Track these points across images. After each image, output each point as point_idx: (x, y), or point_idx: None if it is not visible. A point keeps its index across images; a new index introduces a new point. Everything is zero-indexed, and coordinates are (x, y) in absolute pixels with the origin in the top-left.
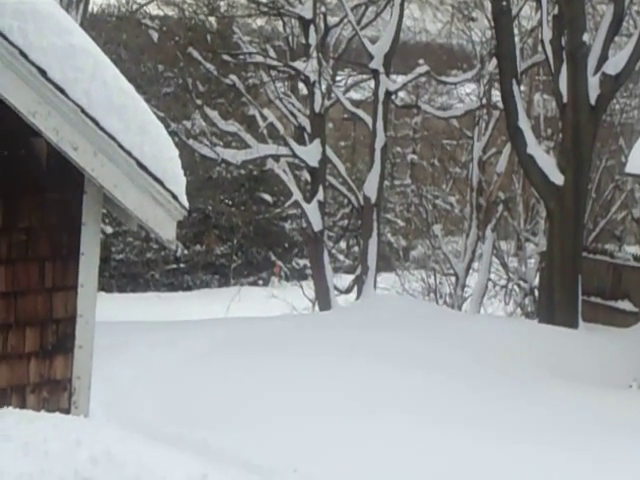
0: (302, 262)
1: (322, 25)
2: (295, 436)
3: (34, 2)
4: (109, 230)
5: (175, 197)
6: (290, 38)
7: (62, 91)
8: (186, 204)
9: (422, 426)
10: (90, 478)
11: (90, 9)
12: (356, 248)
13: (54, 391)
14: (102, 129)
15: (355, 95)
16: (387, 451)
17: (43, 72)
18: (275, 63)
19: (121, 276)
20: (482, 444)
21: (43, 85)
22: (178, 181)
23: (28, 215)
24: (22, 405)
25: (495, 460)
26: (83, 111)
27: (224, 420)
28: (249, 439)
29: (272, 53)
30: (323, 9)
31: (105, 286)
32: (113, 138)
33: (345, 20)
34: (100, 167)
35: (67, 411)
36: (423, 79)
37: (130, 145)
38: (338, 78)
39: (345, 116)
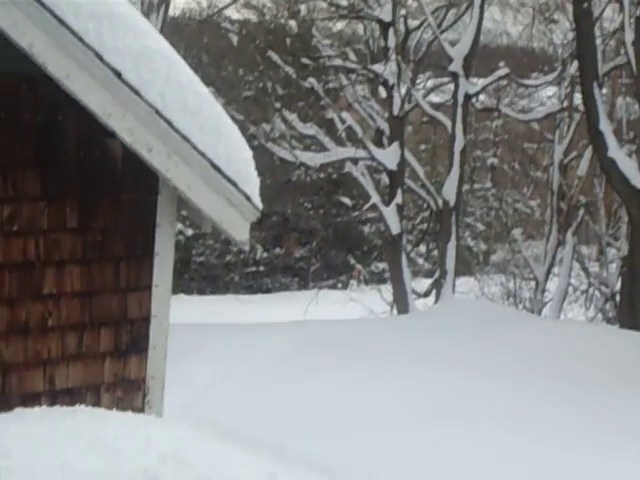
0: (381, 266)
1: (402, 28)
2: (370, 440)
3: (109, 4)
4: (189, 232)
5: (248, 198)
6: (370, 41)
7: (137, 93)
8: (259, 205)
9: (489, 434)
10: (158, 476)
11: (171, 13)
12: (435, 252)
13: (128, 391)
14: (176, 130)
15: (435, 98)
16: (458, 456)
17: (118, 74)
18: (354, 66)
19: (201, 278)
20: (535, 452)
21: (118, 87)
22: (252, 182)
23: (103, 216)
24: (97, 404)
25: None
26: (157, 112)
27: (300, 423)
28: (325, 442)
29: (352, 56)
30: (403, 12)
31: (185, 288)
32: (187, 139)
33: (425, 23)
34: (174, 168)
35: (141, 410)
36: (504, 82)
37: (204, 146)
38: (418, 81)
39: (425, 119)
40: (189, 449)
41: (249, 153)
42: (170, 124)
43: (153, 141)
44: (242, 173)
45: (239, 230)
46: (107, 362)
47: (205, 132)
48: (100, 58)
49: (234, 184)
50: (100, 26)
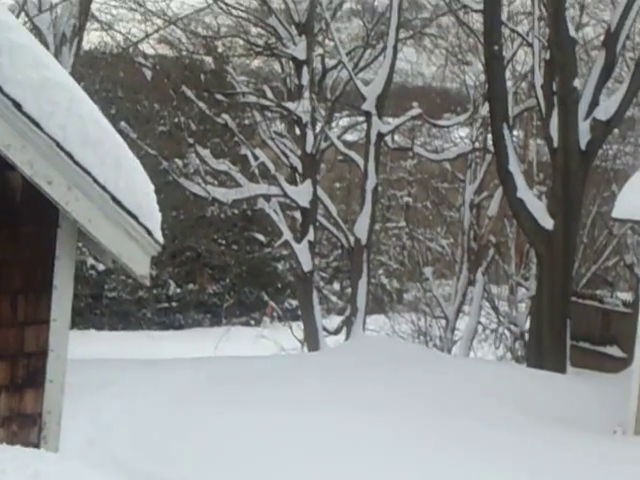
0: (294, 302)
1: (320, 67)
2: (273, 476)
3: (10, 35)
4: (101, 267)
5: (150, 232)
6: (287, 79)
7: (37, 125)
8: (161, 240)
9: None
10: None
11: (86, 46)
12: (349, 289)
13: (24, 425)
14: (77, 163)
15: (350, 137)
16: None
17: (18, 105)
18: (267, 103)
19: (113, 314)
20: None
21: (18, 118)
22: (153, 216)
23: (1, 248)
24: None
25: None
26: (58, 145)
27: (204, 459)
28: (228, 478)
29: (269, 93)
30: (320, 51)
31: (96, 324)
32: (88, 172)
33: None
34: (74, 201)
35: (37, 445)
36: (418, 122)
37: (105, 180)
38: (335, 120)
39: (340, 158)
40: None
41: (151, 187)
42: (71, 157)
43: (53, 174)
44: (143, 207)
45: (139, 264)
46: (2, 396)
47: (106, 165)
48: (0, 89)
49: (135, 218)
50: (0, 57)
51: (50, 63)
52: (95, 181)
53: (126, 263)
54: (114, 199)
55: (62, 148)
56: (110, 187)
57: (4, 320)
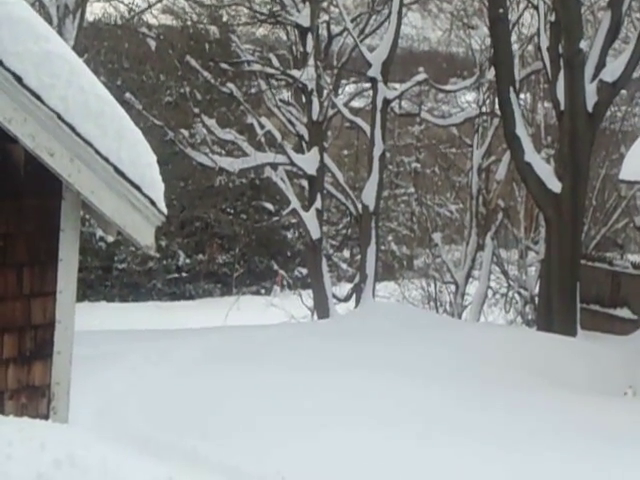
0: (304, 271)
1: (325, 34)
2: (285, 445)
3: (8, 8)
4: (110, 239)
5: (153, 203)
6: (293, 47)
7: (38, 97)
8: (164, 210)
9: (406, 436)
10: None
11: (90, 18)
12: (358, 257)
13: (33, 397)
14: (79, 135)
15: (357, 103)
16: (371, 460)
17: (19, 78)
18: (272, 71)
19: (123, 285)
20: (466, 454)
21: (19, 91)
22: (156, 187)
23: (5, 221)
24: (0, 411)
25: (478, 471)
26: (59, 117)
27: (216, 427)
28: (239, 447)
29: (275, 62)
30: (326, 18)
31: (107, 295)
32: (90, 144)
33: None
34: (77, 173)
35: (46, 417)
36: (425, 87)
37: (107, 151)
38: (341, 86)
39: (347, 124)
40: (84, 454)
41: (153, 157)
42: (72, 129)
43: (55, 146)
44: (146, 177)
45: (144, 235)
46: (11, 368)
47: (108, 136)
48: (0, 63)
49: (138, 188)
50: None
51: (50, 35)
52: (97, 152)
53: (130, 234)
54: (117, 170)
55: (63, 120)
56: (112, 158)
57: (10, 292)
